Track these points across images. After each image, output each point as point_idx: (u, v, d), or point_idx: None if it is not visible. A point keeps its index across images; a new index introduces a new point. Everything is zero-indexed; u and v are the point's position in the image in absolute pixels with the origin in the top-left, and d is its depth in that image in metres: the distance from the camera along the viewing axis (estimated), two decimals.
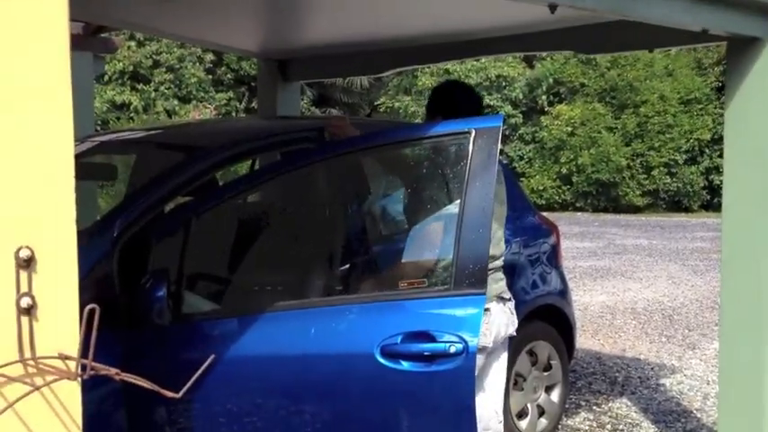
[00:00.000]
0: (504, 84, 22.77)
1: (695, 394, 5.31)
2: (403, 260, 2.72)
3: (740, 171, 3.67)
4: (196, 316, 2.73)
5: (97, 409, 2.52)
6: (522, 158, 22.73)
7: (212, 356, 1.61)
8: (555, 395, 4.44)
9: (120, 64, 23.17)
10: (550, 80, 22.54)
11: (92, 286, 2.65)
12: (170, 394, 1.49)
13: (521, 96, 22.77)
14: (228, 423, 2.63)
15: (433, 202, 2.76)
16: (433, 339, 2.47)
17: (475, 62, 23.25)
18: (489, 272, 2.91)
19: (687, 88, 21.36)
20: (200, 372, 1.54)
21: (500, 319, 2.94)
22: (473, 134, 2.60)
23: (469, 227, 2.52)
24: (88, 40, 5.49)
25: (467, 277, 2.49)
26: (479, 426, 3.05)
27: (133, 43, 22.83)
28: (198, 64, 24.23)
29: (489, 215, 2.52)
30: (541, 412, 4.37)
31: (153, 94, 23.49)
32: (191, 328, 2.68)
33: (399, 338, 2.48)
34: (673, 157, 20.81)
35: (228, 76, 25.43)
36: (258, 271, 2.97)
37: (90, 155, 3.85)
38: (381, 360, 2.47)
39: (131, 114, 22.43)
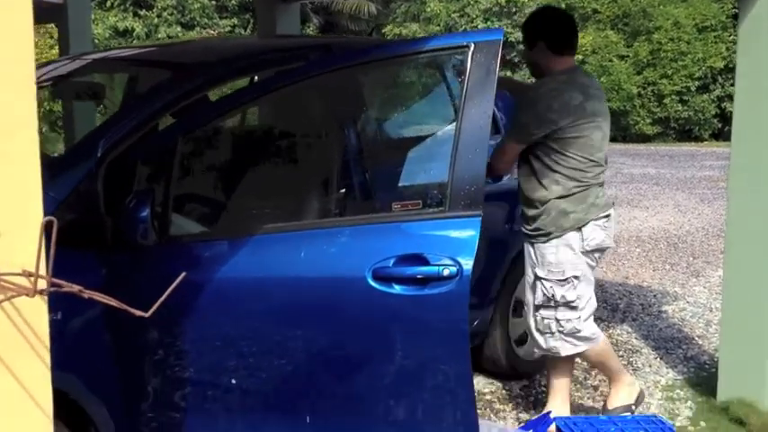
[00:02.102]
0: (514, 9, 22.25)
1: (697, 321, 5.28)
2: (398, 182, 2.63)
3: (751, 99, 3.53)
4: (184, 237, 2.65)
5: (83, 332, 2.48)
6: None
7: (183, 274, 1.52)
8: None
9: None
10: (562, 5, 21.97)
11: (75, 206, 2.57)
12: (138, 313, 1.42)
13: None
14: (224, 346, 2.59)
15: (430, 120, 2.65)
16: (426, 262, 2.40)
17: None
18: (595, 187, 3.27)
19: (702, 14, 20.84)
20: (169, 290, 1.46)
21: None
22: (471, 48, 2.48)
23: (466, 146, 2.42)
24: None
25: (462, 198, 2.41)
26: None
27: None
28: None
29: (487, 134, 2.42)
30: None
31: (156, 20, 23.10)
32: (177, 249, 2.60)
33: (392, 261, 2.41)
34: (685, 84, 20.44)
35: (233, 1, 24.92)
36: (249, 193, 2.89)
37: (81, 74, 3.73)
38: (373, 283, 2.41)
39: (134, 41, 22.08)
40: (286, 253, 2.51)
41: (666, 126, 21.12)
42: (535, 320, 3.44)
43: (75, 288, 1.39)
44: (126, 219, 2.46)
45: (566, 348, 3.42)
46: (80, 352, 2.49)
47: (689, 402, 3.97)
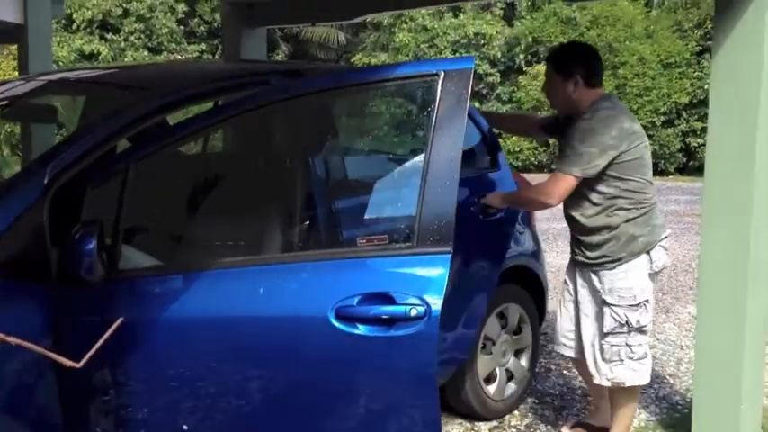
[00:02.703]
0: (482, 42, 22.42)
1: (668, 359, 5.18)
2: (364, 215, 2.49)
3: (724, 131, 3.47)
4: (133, 272, 2.48)
5: (21, 378, 2.29)
6: None
7: (120, 320, 1.38)
8: (524, 359, 4.27)
9: (89, 12, 22.52)
10: (529, 39, 22.18)
11: (19, 237, 2.40)
12: (69, 363, 1.27)
13: (499, 55, 22.44)
14: (179, 387, 2.42)
15: (398, 151, 2.52)
16: (392, 301, 2.26)
17: (453, 19, 22.85)
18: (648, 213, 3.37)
19: (667, 51, 21.14)
20: (104, 337, 1.31)
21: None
22: (441, 76, 2.36)
23: (435, 179, 2.30)
24: None
25: (431, 234, 2.28)
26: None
27: None
28: (170, 14, 23.59)
29: (457, 166, 2.30)
30: (510, 377, 4.20)
31: (122, 44, 22.87)
32: (125, 285, 2.43)
33: (356, 300, 2.27)
34: (651, 119, 20.65)
35: (201, 27, 24.80)
36: (205, 224, 2.72)
37: (34, 95, 3.56)
38: (336, 323, 2.26)
39: (100, 65, 21.82)
40: (243, 289, 2.35)
41: None
42: (601, 349, 3.44)
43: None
44: (70, 252, 2.28)
45: (632, 377, 3.44)
46: (23, 395, 2.31)
47: None
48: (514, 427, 4.06)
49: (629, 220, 3.35)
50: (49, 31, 7.57)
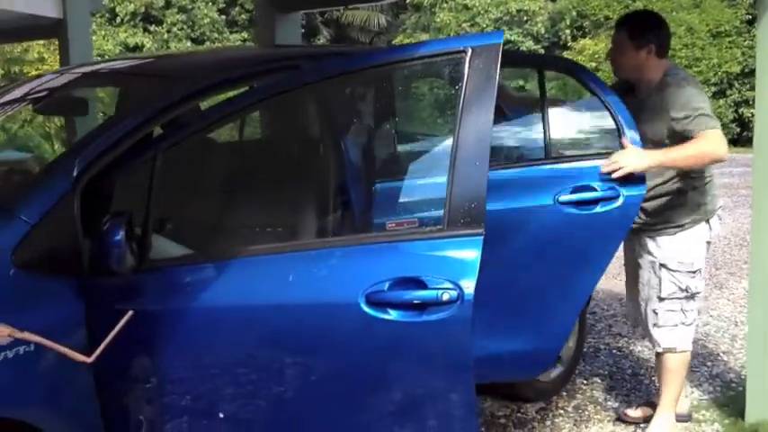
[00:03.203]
0: (525, 18, 22.09)
1: (722, 336, 5.03)
2: (393, 199, 2.43)
3: None
4: (164, 262, 2.46)
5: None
6: None
7: (130, 313, 1.34)
8: (571, 340, 4.17)
9: (132, 5, 22.81)
10: (573, 13, 21.79)
11: (51, 231, 2.39)
12: (82, 358, 1.25)
13: (543, 31, 22.08)
14: (212, 377, 2.40)
15: (427, 132, 2.46)
16: (423, 286, 2.20)
17: None
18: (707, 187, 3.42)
19: (716, 20, 20.57)
20: (115, 330, 1.28)
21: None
22: (469, 53, 2.29)
23: (465, 159, 2.22)
24: None
25: (462, 216, 2.21)
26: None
27: None
28: (211, 4, 23.75)
29: (487, 146, 2.22)
30: (557, 358, 4.11)
31: (166, 36, 23.12)
32: (157, 275, 2.41)
33: (386, 285, 2.21)
34: None
35: (243, 16, 24.92)
36: (234, 211, 2.69)
37: (70, 88, 3.57)
38: (367, 309, 2.21)
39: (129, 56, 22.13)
40: (272, 277, 2.32)
41: None
42: (656, 315, 3.47)
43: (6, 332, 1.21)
44: (100, 243, 2.27)
45: (684, 343, 3.49)
46: (60, 385, 2.31)
47: (715, 425, 3.74)
48: (562, 408, 3.98)
49: (695, 188, 3.39)
50: (89, 26, 7.67)
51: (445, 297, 2.16)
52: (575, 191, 3.11)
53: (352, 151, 2.62)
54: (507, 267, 2.93)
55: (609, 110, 3.21)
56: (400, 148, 2.60)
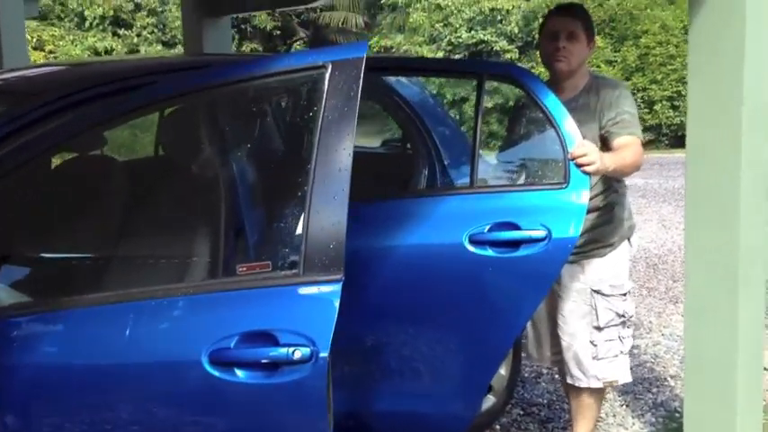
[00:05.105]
0: (498, 17, 21.80)
1: (671, 357, 4.74)
2: (242, 238, 2.12)
3: (704, 132, 3.01)
4: None
5: None
6: None
7: None
8: (503, 369, 3.87)
9: (100, 9, 22.38)
10: (545, 10, 21.56)
11: None
12: None
13: (516, 30, 21.80)
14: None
15: (279, 159, 2.14)
16: (275, 342, 1.89)
17: None
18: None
19: None
20: None
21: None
22: (329, 69, 1.98)
23: (322, 192, 1.92)
24: None
25: (319, 259, 1.90)
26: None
27: None
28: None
29: (347, 176, 1.91)
30: (488, 388, 3.81)
31: (135, 40, 22.70)
32: None
33: (233, 342, 1.91)
34: (676, 89, 19.92)
35: None
36: (76, 250, 2.36)
37: None
38: (210, 369, 1.90)
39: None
40: (107, 332, 2.00)
41: (659, 133, 20.56)
42: (594, 347, 3.14)
43: None
44: None
45: (625, 374, 3.20)
46: None
47: None
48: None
49: (618, 203, 3.14)
50: (23, 31, 7.33)
51: (297, 355, 1.86)
52: (493, 228, 2.68)
53: (198, 180, 2.29)
54: (402, 318, 2.59)
55: (552, 125, 2.75)
56: (253, 177, 2.27)
